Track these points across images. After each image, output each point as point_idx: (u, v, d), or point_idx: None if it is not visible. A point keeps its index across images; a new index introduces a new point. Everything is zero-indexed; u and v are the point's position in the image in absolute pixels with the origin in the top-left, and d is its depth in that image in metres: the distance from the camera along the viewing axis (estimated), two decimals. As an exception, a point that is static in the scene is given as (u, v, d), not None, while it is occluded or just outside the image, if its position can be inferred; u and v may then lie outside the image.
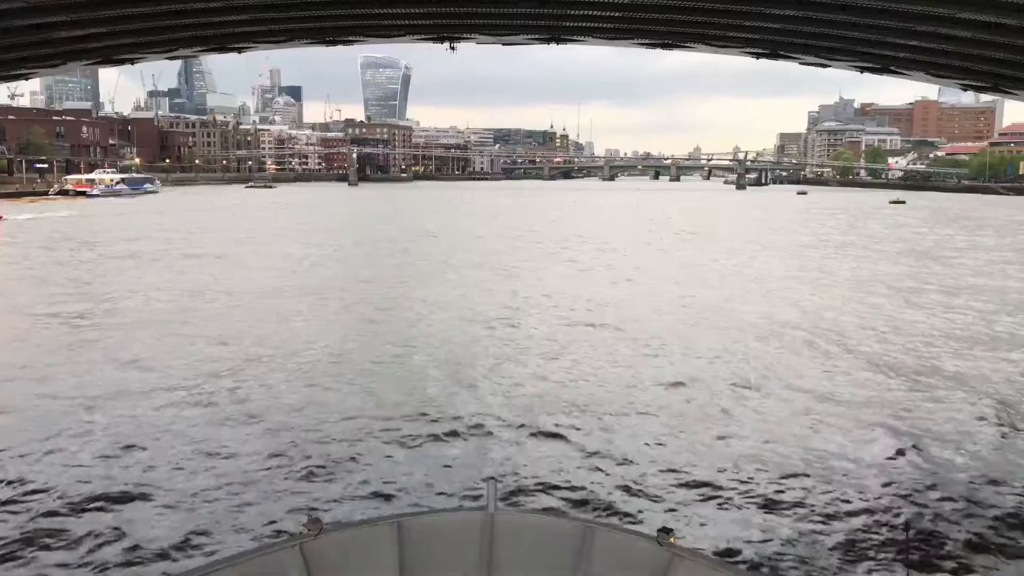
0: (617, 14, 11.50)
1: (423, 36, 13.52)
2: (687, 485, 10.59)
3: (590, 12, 11.67)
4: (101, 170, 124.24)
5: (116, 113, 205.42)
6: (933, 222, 70.69)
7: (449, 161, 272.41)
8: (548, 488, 10.39)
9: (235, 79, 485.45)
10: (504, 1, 11.38)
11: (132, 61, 13.80)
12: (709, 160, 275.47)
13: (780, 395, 15.05)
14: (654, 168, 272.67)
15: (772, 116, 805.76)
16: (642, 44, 13.59)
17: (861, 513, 9.75)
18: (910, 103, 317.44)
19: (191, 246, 43.92)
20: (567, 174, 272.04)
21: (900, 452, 11.95)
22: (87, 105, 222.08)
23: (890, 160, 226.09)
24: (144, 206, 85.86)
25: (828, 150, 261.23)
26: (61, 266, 35.47)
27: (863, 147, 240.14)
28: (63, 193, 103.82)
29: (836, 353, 18.58)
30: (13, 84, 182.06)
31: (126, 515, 9.56)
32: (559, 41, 13.70)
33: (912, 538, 8.73)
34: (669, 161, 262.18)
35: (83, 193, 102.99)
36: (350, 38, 13.30)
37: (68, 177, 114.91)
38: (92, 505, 9.81)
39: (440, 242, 47.31)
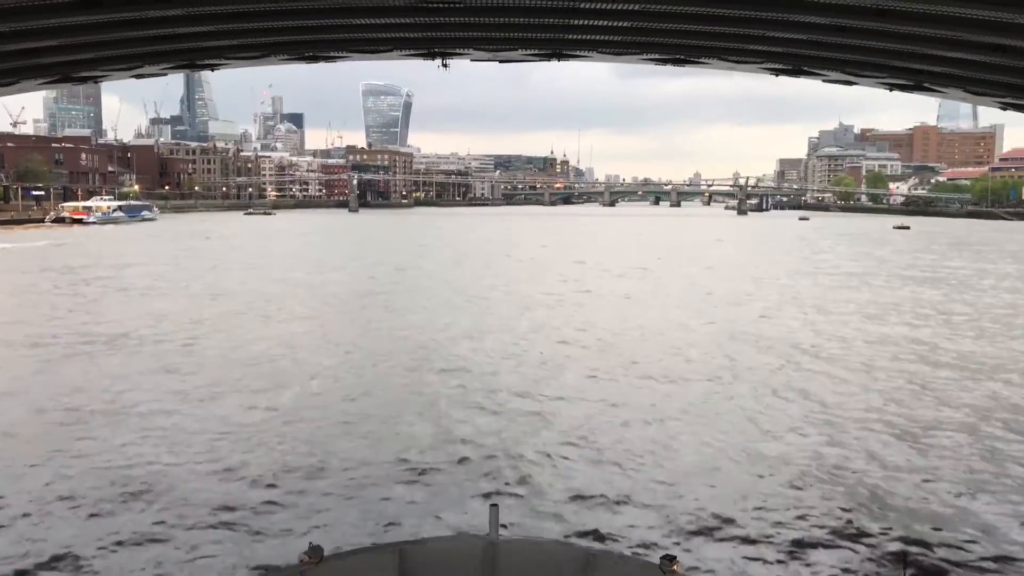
0: (625, 24, 10.33)
1: (412, 52, 12.39)
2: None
3: (595, 23, 10.44)
4: (98, 197, 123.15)
5: (117, 140, 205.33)
6: (952, 253, 64.71)
7: (450, 187, 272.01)
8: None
9: (237, 106, 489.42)
10: (500, 11, 10.25)
11: (95, 80, 12.73)
12: (709, 186, 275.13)
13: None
14: (654, 194, 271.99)
15: (771, 142, 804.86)
16: (652, 60, 12.44)
17: None
18: (910, 128, 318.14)
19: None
20: (567, 200, 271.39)
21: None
22: (87, 132, 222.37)
23: (891, 185, 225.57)
24: (139, 232, 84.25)
25: (829, 175, 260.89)
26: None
27: (864, 172, 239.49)
28: (59, 220, 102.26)
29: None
30: (16, 111, 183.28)
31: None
32: (560, 57, 12.56)
33: None
34: (669, 187, 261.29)
35: (79, 220, 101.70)
36: (331, 53, 12.15)
37: (64, 204, 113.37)
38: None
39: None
